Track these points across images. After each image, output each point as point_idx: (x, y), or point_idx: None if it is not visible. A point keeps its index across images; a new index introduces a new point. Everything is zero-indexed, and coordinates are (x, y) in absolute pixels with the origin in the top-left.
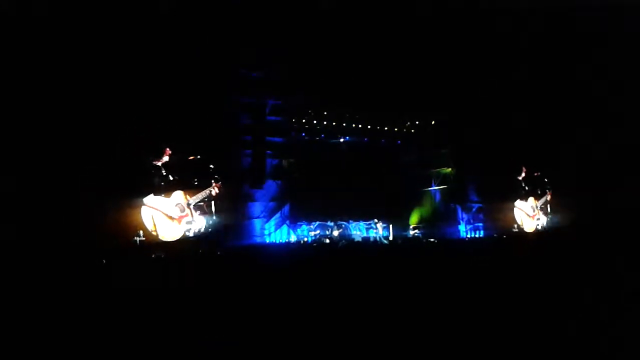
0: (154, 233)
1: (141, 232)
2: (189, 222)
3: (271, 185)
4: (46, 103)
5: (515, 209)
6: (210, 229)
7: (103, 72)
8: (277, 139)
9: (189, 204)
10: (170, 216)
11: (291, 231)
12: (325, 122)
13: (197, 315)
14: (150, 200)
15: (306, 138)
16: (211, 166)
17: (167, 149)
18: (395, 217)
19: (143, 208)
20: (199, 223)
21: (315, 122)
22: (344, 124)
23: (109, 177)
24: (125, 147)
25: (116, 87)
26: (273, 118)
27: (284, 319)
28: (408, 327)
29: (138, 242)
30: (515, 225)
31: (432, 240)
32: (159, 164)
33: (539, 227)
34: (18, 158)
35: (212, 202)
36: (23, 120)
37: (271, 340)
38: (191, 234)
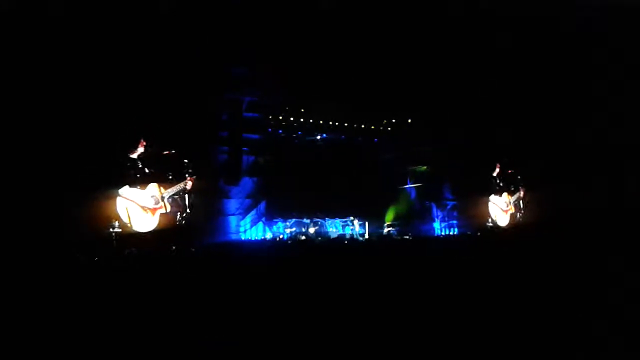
0: (128, 224)
1: (116, 223)
2: (162, 214)
3: (247, 182)
4: (17, 93)
5: (489, 203)
6: (183, 222)
7: (78, 64)
8: (253, 136)
9: (163, 197)
10: (144, 207)
11: (267, 228)
12: (302, 120)
13: (172, 314)
14: (125, 191)
15: (283, 135)
16: (186, 161)
17: (142, 141)
18: (371, 214)
19: (118, 199)
20: (172, 215)
21: (292, 119)
22: (321, 122)
23: (83, 167)
24: (100, 138)
25: (92, 79)
26: (250, 115)
27: (262, 316)
28: (384, 324)
29: (113, 233)
30: (490, 220)
31: (406, 237)
32: (134, 156)
33: (512, 221)
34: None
35: (186, 196)
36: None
37: (251, 338)
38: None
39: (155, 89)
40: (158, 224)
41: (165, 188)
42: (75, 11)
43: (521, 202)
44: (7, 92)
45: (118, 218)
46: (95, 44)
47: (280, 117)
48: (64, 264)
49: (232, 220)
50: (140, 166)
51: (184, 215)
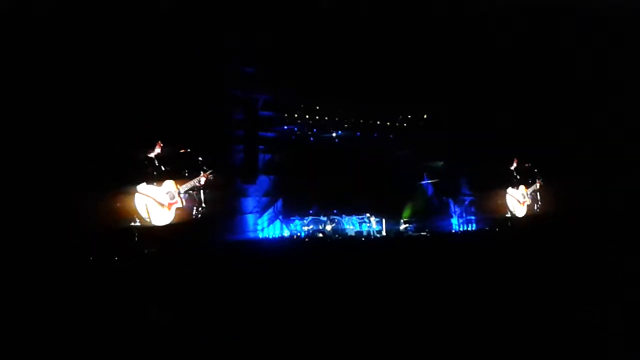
0: (147, 219)
1: (136, 219)
2: (178, 209)
3: (264, 181)
4: (47, 102)
5: (507, 195)
6: (199, 215)
7: (99, 70)
8: (269, 134)
9: (179, 192)
10: (161, 203)
11: (284, 226)
12: (317, 117)
13: (192, 312)
14: (143, 188)
15: (298, 133)
16: (200, 158)
17: (159, 142)
18: (388, 211)
19: (136, 195)
20: (188, 210)
21: (307, 116)
22: (336, 119)
23: (106, 167)
24: (121, 140)
25: (112, 83)
26: (265, 113)
27: (279, 314)
28: (403, 321)
29: (134, 228)
30: (508, 212)
31: (424, 233)
32: (152, 155)
33: (529, 213)
34: (25, 153)
35: (201, 191)
36: (24, 118)
37: (268, 335)
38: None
39: (172, 90)
40: (175, 218)
41: (181, 184)
42: (92, 15)
43: (538, 194)
44: (39, 102)
45: (137, 214)
46: (118, 51)
47: (296, 115)
48: (83, 260)
49: (250, 218)
50: (157, 164)
51: (199, 209)
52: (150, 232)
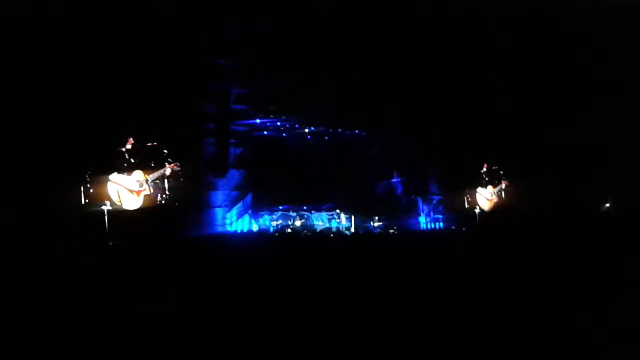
0: (118, 203)
1: (107, 202)
2: (146, 195)
3: (234, 174)
4: (34, 100)
5: (477, 193)
6: (163, 202)
7: (83, 70)
8: (240, 128)
9: (146, 181)
10: (130, 190)
11: (253, 221)
12: (290, 112)
13: (156, 307)
14: (114, 177)
15: (270, 127)
16: (165, 151)
17: (130, 139)
18: (358, 208)
19: (109, 183)
20: (154, 196)
21: (280, 111)
22: (309, 114)
23: (83, 160)
24: (97, 136)
25: (90, 85)
26: (237, 107)
27: (249, 310)
28: (374, 320)
29: (105, 210)
30: (477, 207)
31: (391, 231)
32: (123, 149)
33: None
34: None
35: (166, 180)
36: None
37: (235, 332)
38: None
39: (145, 83)
40: (143, 203)
41: (148, 174)
42: (73, 16)
43: (503, 192)
44: (19, 95)
45: (110, 198)
46: (93, 50)
47: (268, 110)
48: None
49: (219, 212)
50: (127, 157)
51: (164, 196)
52: (121, 214)
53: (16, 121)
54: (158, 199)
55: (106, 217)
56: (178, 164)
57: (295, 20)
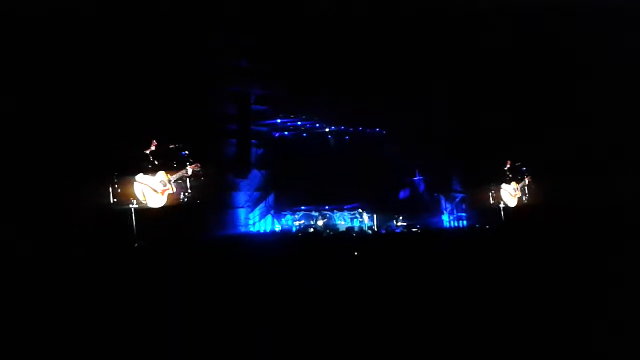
0: (143, 202)
1: (134, 200)
2: (170, 194)
3: (256, 175)
4: (69, 108)
5: (501, 189)
6: (186, 200)
7: (98, 74)
8: (262, 129)
9: (169, 181)
10: (155, 189)
11: (275, 221)
12: (310, 112)
13: (183, 307)
14: (140, 177)
15: (291, 127)
16: (185, 152)
17: (154, 141)
18: (380, 206)
19: (135, 184)
20: (177, 195)
21: (300, 111)
22: (330, 113)
23: (111, 162)
24: (123, 140)
25: (112, 89)
26: (258, 107)
27: (271, 309)
28: (396, 320)
29: (132, 208)
30: (502, 202)
31: (414, 229)
32: (148, 152)
33: (519, 204)
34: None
35: (188, 180)
36: (32, 118)
37: (259, 330)
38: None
39: (167, 86)
40: (167, 202)
41: (171, 174)
42: (102, 22)
43: (526, 188)
44: (48, 105)
45: (136, 197)
46: (117, 52)
47: (289, 110)
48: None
49: (241, 212)
50: (151, 159)
51: (187, 194)
52: (147, 212)
53: (51, 126)
54: (181, 197)
55: (133, 215)
56: (199, 164)
57: (314, 21)
